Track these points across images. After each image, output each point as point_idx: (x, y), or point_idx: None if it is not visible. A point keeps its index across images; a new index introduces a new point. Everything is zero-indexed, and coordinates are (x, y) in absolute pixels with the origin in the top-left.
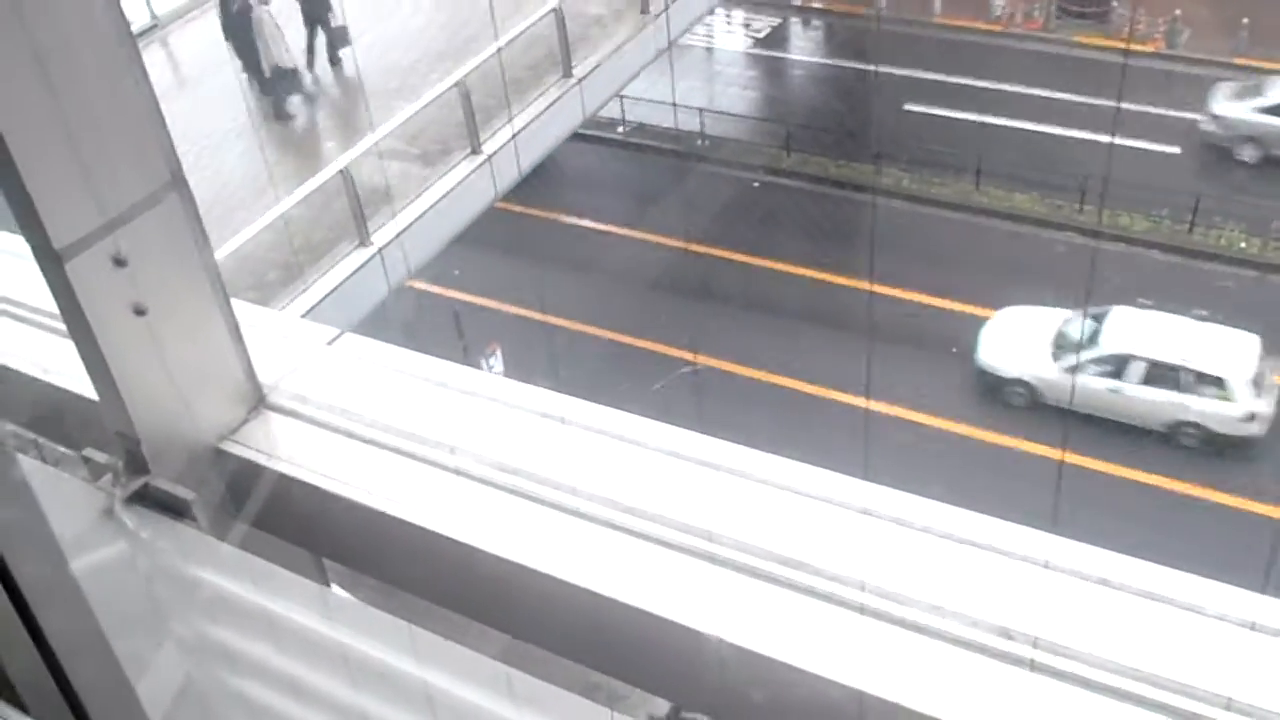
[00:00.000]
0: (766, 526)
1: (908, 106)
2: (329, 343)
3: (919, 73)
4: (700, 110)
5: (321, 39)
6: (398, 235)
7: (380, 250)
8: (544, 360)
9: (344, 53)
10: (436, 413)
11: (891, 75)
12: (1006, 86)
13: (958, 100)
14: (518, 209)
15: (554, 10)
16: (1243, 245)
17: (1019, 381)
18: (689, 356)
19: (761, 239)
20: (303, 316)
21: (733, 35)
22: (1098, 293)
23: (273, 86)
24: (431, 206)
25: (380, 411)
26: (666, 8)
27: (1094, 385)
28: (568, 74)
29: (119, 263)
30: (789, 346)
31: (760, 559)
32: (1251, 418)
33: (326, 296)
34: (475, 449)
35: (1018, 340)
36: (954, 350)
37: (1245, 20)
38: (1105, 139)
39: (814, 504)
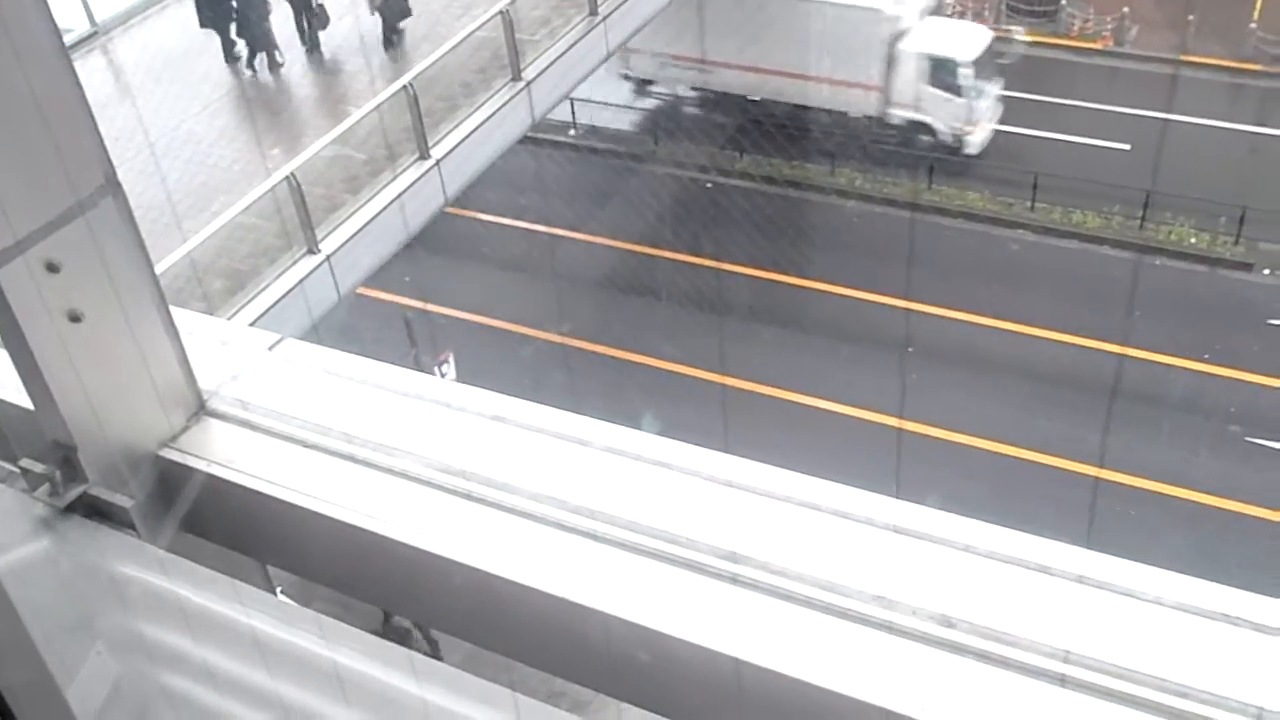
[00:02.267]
0: (711, 522)
1: None
2: (270, 348)
3: None
4: (651, 112)
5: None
6: (346, 241)
7: (329, 258)
8: (495, 365)
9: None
10: (378, 415)
11: None
12: None
13: None
14: (468, 214)
15: (501, 13)
16: (1192, 240)
17: None
18: (644, 360)
19: (714, 240)
20: (250, 325)
21: None
22: (1046, 300)
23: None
24: (381, 211)
25: (322, 415)
26: (612, 11)
27: None
28: (516, 77)
29: (52, 268)
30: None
31: (707, 555)
32: None
33: (275, 304)
34: (418, 450)
35: None
36: (910, 350)
37: (1191, 17)
38: (1057, 136)
39: (759, 500)
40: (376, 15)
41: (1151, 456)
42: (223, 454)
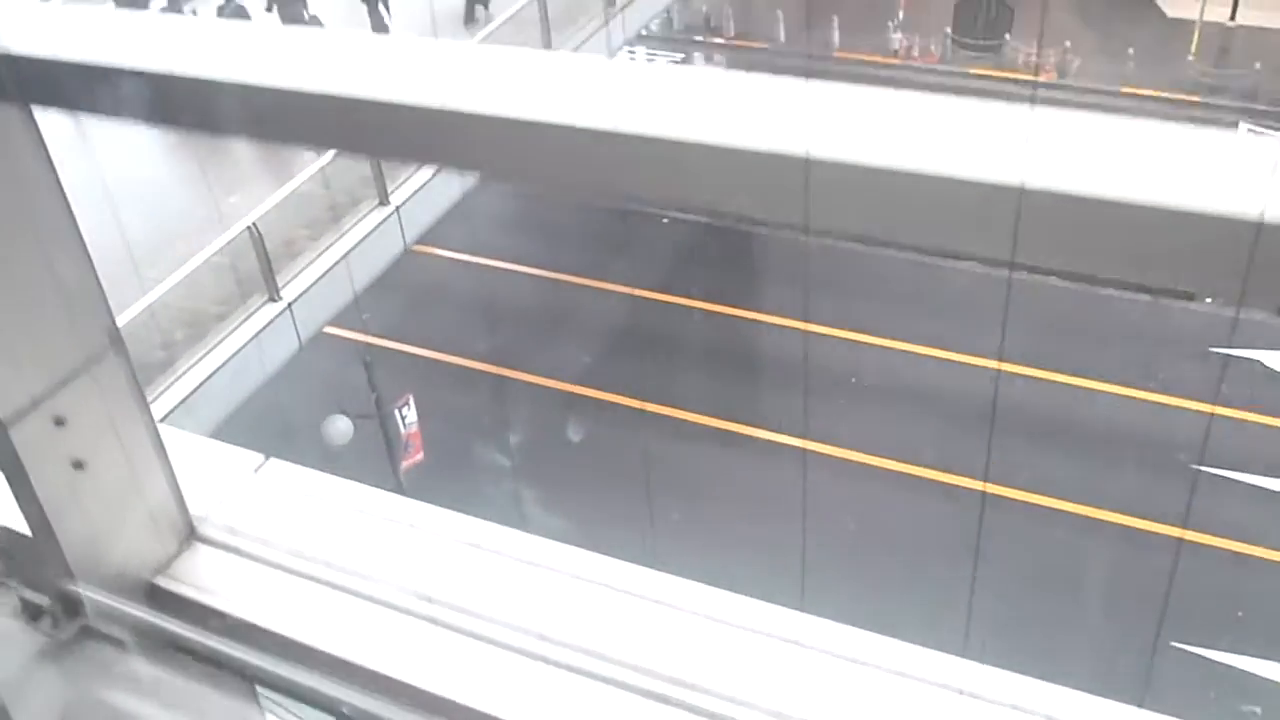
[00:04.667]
0: (705, 661)
1: None
2: (255, 469)
3: None
4: None
5: None
6: (308, 289)
7: (290, 305)
8: (454, 407)
9: None
10: (355, 541)
11: None
12: None
13: None
14: (425, 250)
15: None
16: None
17: None
18: (604, 398)
19: (674, 276)
20: (215, 372)
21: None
22: (992, 332)
23: None
24: (342, 258)
25: (303, 541)
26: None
27: None
28: None
29: (59, 422)
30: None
31: (687, 691)
32: None
33: (238, 351)
34: (399, 578)
35: None
36: (852, 380)
37: (1131, 50)
38: None
39: (729, 630)
40: None
41: (1101, 485)
42: (211, 581)
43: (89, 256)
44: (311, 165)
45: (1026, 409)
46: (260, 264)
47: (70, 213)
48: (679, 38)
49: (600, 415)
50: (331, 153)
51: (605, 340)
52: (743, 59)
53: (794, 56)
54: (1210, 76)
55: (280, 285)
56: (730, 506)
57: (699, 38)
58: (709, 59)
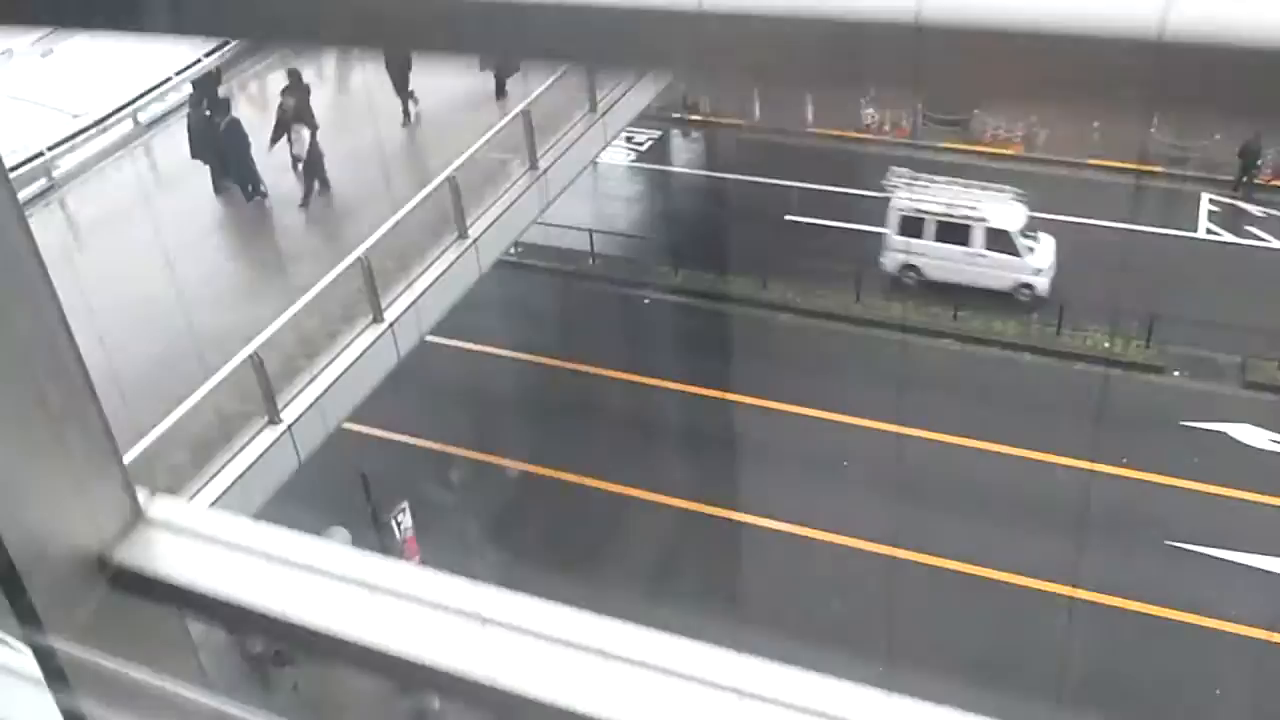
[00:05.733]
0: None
1: (789, 217)
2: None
3: (797, 183)
4: (590, 231)
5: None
6: (309, 407)
7: (290, 427)
8: (444, 498)
9: None
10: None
11: (772, 186)
12: (880, 194)
13: (835, 210)
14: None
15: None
16: (1106, 345)
17: None
18: (587, 482)
19: (654, 358)
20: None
21: (615, 149)
22: (968, 409)
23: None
24: (338, 379)
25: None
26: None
27: None
28: (463, 235)
29: None
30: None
31: None
32: None
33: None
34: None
35: None
36: (845, 464)
37: (1096, 123)
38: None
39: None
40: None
41: (1073, 561)
42: (159, 558)
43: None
44: None
45: (990, 485)
46: (261, 385)
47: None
48: (656, 115)
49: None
50: None
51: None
52: (718, 135)
53: (768, 133)
54: (1171, 148)
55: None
56: None
57: (676, 114)
58: (685, 134)
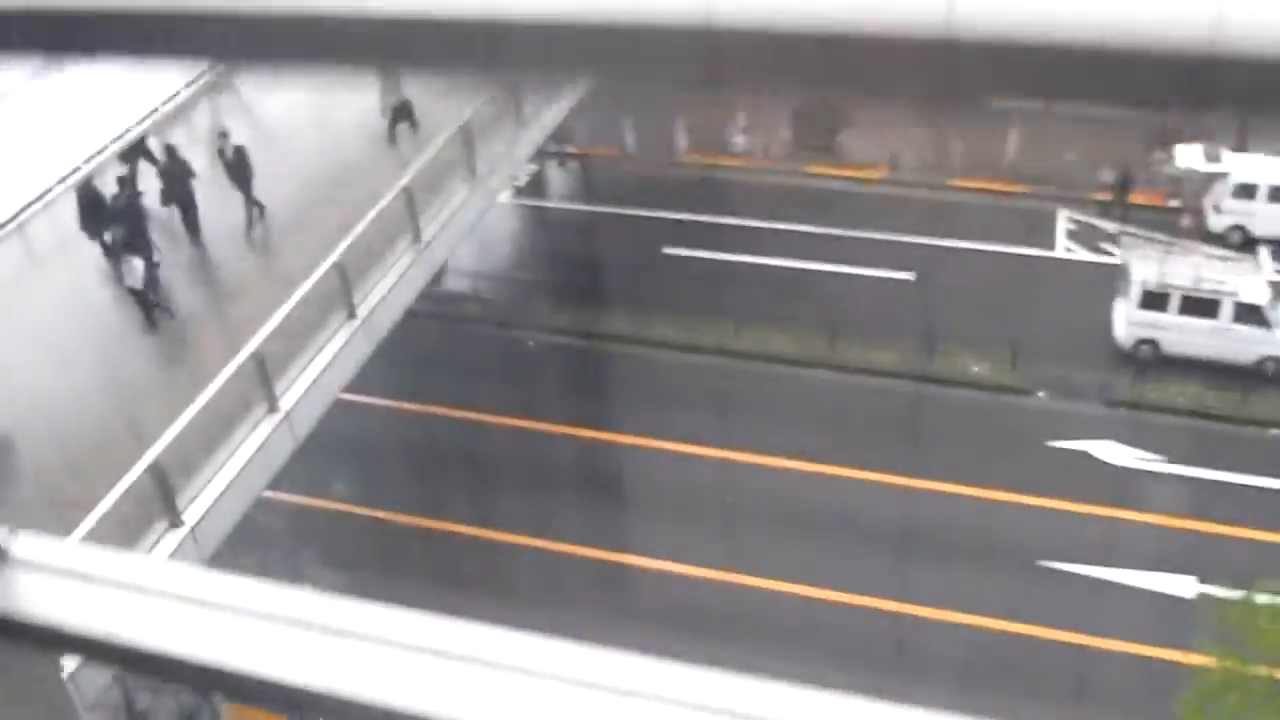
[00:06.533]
0: None
1: (666, 250)
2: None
3: (672, 214)
4: (471, 275)
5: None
6: (207, 511)
7: (193, 529)
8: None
9: None
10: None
11: (648, 218)
12: (753, 222)
13: (710, 240)
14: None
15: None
16: (975, 369)
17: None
18: (464, 531)
19: (538, 402)
20: None
21: None
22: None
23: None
24: (239, 473)
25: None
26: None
27: None
28: (351, 315)
29: None
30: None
31: None
32: None
33: None
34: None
35: None
36: (727, 499)
37: (959, 146)
38: (848, 269)
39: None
40: None
41: (947, 586)
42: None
43: None
44: None
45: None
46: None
47: None
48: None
49: None
50: None
51: None
52: (593, 167)
53: (640, 163)
54: (1031, 168)
55: None
56: None
57: (552, 148)
58: (562, 165)
